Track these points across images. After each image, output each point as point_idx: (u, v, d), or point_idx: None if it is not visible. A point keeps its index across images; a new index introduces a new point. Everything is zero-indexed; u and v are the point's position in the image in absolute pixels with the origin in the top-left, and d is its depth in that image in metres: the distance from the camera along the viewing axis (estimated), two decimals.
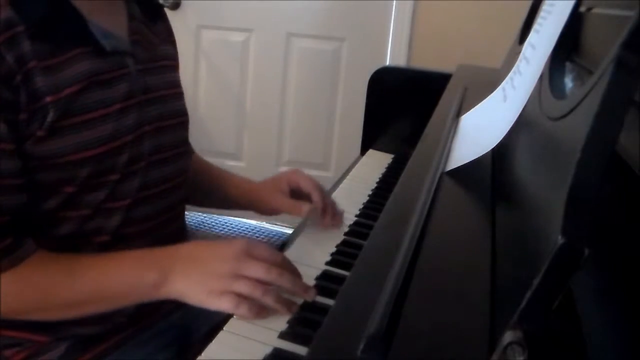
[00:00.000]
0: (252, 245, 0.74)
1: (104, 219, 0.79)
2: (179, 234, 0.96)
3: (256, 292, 0.69)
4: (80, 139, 0.73)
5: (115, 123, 0.77)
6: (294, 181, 0.99)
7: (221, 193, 1.05)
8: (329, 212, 0.96)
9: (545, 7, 0.71)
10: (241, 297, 0.69)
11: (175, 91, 0.92)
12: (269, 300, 0.70)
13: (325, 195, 0.99)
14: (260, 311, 0.69)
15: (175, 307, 0.90)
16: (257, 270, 0.71)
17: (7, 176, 0.70)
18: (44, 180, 0.73)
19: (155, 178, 0.85)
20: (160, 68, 0.88)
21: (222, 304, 0.69)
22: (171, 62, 0.93)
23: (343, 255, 0.87)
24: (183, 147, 0.93)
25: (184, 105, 0.94)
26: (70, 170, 0.73)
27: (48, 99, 0.70)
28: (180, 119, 0.91)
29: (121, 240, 0.81)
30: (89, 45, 0.75)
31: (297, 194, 0.99)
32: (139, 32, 0.84)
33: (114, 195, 0.79)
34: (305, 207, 0.93)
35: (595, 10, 0.64)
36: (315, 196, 0.96)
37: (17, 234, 0.72)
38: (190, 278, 0.71)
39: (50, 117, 0.70)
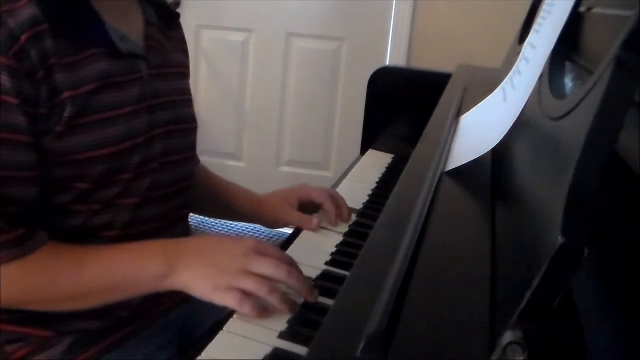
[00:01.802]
0: (261, 243, 0.75)
1: (112, 215, 0.80)
2: (184, 237, 0.97)
3: (262, 290, 0.69)
4: (94, 138, 0.75)
5: (127, 124, 0.79)
6: (304, 196, 1.02)
7: (227, 204, 1.06)
8: (342, 213, 0.99)
9: (545, 7, 0.71)
10: (247, 294, 0.69)
11: (185, 98, 0.94)
12: (274, 300, 0.69)
13: (338, 198, 1.01)
14: (263, 311, 0.69)
15: (177, 304, 0.91)
16: (265, 268, 0.71)
17: (23, 168, 0.71)
18: (59, 176, 0.75)
19: (164, 180, 0.86)
20: (171, 74, 0.90)
21: (226, 300, 0.69)
22: (182, 70, 0.95)
23: (343, 255, 0.87)
24: (191, 152, 0.95)
25: (193, 112, 0.96)
26: (85, 167, 0.75)
27: (66, 94, 0.72)
28: (189, 125, 0.94)
29: (128, 239, 0.82)
30: (106, 47, 0.77)
31: (307, 204, 1.02)
32: (153, 38, 0.87)
33: (124, 193, 0.80)
34: (315, 220, 0.95)
35: (595, 10, 0.64)
36: (328, 205, 0.99)
37: (29, 226, 0.73)
38: (197, 271, 0.72)
39: (67, 112, 0.73)
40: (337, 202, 1.00)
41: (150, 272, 0.73)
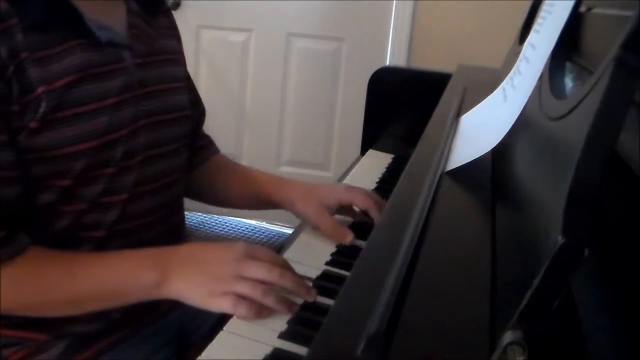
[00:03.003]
0: (253, 247, 0.74)
1: (100, 214, 0.79)
2: (178, 229, 0.96)
3: (256, 293, 0.69)
4: (73, 132, 0.73)
5: (109, 116, 0.76)
6: (346, 200, 0.94)
7: (263, 195, 1.00)
8: None
9: (545, 7, 0.71)
10: (241, 297, 0.69)
11: (175, 85, 0.90)
12: (269, 301, 0.70)
13: (383, 204, 0.94)
14: (260, 311, 0.69)
15: (173, 306, 0.91)
16: (258, 271, 0.71)
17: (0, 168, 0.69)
18: (39, 173, 0.73)
19: (153, 173, 0.84)
20: (159, 62, 0.87)
21: (222, 305, 0.69)
22: (173, 56, 0.92)
23: (343, 256, 0.87)
24: (182, 142, 0.92)
25: (185, 99, 0.93)
26: (65, 163, 0.73)
27: (40, 89, 0.70)
28: (179, 113, 0.90)
29: (119, 236, 0.81)
30: (84, 37, 0.75)
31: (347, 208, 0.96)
32: (137, 27, 0.84)
33: (110, 190, 0.78)
34: (350, 237, 0.89)
35: (595, 10, 0.64)
36: (375, 213, 0.92)
37: (10, 228, 0.72)
38: (190, 279, 0.71)
39: (43, 108, 0.70)
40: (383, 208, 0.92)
41: (142, 281, 0.72)
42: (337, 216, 0.96)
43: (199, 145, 1.04)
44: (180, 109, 0.91)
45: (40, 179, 0.74)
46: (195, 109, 1.01)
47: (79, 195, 0.76)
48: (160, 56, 0.88)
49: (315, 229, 0.93)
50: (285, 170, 2.55)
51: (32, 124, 0.70)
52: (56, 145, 0.72)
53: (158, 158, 0.85)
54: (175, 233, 0.94)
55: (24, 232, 0.74)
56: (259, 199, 1.01)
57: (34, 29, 0.70)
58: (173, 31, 0.96)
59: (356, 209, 0.97)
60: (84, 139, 0.74)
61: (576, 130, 0.41)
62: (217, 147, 1.07)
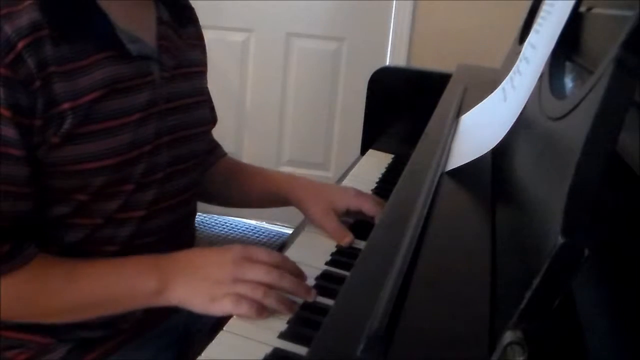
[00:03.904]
0: (250, 249, 0.74)
1: (115, 229, 0.78)
2: (188, 244, 0.95)
3: (257, 294, 0.69)
4: (95, 148, 0.72)
5: (133, 133, 0.75)
6: (355, 206, 0.95)
7: (279, 193, 1.00)
8: None
9: (545, 7, 0.71)
10: (242, 297, 0.69)
11: (199, 99, 0.89)
12: (270, 301, 0.69)
13: None
14: (262, 310, 0.69)
15: (177, 307, 0.90)
16: (257, 273, 0.71)
17: (11, 182, 0.68)
18: (56, 186, 0.72)
19: (171, 190, 0.83)
20: (186, 75, 0.85)
21: (224, 306, 0.69)
22: (199, 69, 0.91)
23: (343, 255, 0.87)
24: (201, 158, 0.91)
25: (207, 113, 0.92)
26: (84, 178, 0.72)
27: (66, 105, 0.68)
28: (201, 128, 0.89)
29: (131, 251, 0.80)
30: (115, 50, 0.73)
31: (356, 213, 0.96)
32: (166, 38, 0.82)
33: (127, 206, 0.77)
34: (348, 239, 0.90)
35: (595, 10, 0.64)
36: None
37: (17, 240, 0.71)
38: (190, 285, 0.71)
39: (67, 124, 0.69)
40: None
41: (142, 288, 0.72)
42: None
43: (209, 149, 1.03)
44: (203, 124, 0.90)
45: (57, 191, 0.72)
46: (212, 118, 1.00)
47: (95, 210, 0.75)
48: (186, 69, 0.86)
49: (319, 229, 0.94)
50: (285, 170, 2.55)
51: (54, 139, 0.69)
52: (76, 161, 0.71)
53: (178, 175, 0.84)
54: (185, 247, 0.94)
55: (32, 243, 0.73)
56: (277, 198, 1.01)
57: (65, 39, 0.68)
58: (200, 41, 0.95)
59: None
60: (105, 156, 0.72)
61: (576, 130, 0.41)
62: (224, 150, 1.07)
